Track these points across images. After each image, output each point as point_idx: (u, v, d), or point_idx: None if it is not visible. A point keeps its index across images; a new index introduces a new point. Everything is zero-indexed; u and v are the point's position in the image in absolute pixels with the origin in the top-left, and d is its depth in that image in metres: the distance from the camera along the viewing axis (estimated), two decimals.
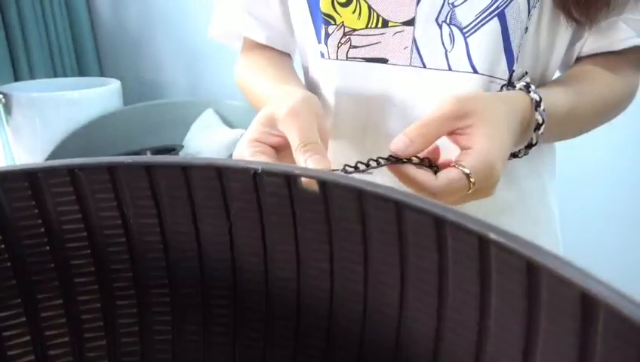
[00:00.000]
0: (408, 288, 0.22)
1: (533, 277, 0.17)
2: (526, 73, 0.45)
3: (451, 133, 0.38)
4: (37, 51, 1.85)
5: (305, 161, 0.34)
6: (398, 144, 0.36)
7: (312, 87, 0.55)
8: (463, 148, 0.37)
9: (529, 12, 0.45)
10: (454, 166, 0.36)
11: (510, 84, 0.45)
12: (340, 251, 0.24)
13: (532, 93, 0.42)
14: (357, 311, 0.25)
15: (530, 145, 0.44)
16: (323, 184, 0.23)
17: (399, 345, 0.23)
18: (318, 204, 0.23)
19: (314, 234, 0.24)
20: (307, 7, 0.50)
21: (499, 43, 0.45)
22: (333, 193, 0.23)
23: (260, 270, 0.27)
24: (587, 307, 0.15)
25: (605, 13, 0.45)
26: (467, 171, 0.35)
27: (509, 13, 0.44)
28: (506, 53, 0.46)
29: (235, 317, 0.28)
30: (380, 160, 0.35)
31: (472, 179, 0.35)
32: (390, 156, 0.36)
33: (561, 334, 0.16)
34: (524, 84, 0.43)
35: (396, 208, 0.21)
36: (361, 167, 0.34)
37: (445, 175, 0.36)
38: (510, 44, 0.45)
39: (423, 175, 0.36)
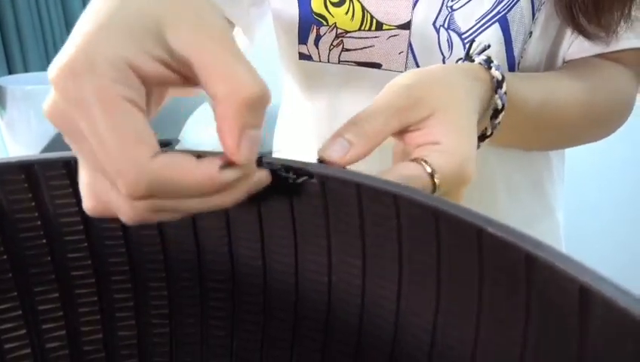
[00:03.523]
0: (406, 281, 0.22)
1: (530, 270, 0.17)
2: (488, 46, 0.36)
3: (402, 132, 0.29)
4: (31, 44, 1.83)
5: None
6: (333, 151, 0.26)
7: (292, 89, 0.52)
8: (421, 145, 0.29)
9: (533, 16, 0.42)
10: (415, 160, 0.27)
11: (468, 58, 0.35)
12: (338, 244, 0.24)
13: (493, 70, 0.33)
14: (355, 304, 0.25)
15: (483, 137, 0.34)
16: (322, 177, 0.23)
17: (397, 337, 0.24)
18: (316, 198, 0.23)
19: (312, 228, 0.24)
20: (297, 5, 0.47)
21: (500, 50, 0.43)
22: (331, 187, 0.23)
23: (258, 264, 0.27)
24: (585, 300, 0.15)
25: (622, 19, 0.39)
26: (429, 170, 0.26)
27: (511, 18, 0.42)
28: (507, 61, 0.43)
29: (233, 310, 0.28)
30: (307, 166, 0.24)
31: (436, 180, 0.26)
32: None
33: (559, 327, 0.16)
34: (485, 58, 0.34)
35: (394, 201, 0.21)
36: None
37: (400, 170, 0.26)
38: (512, 50, 0.43)
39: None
